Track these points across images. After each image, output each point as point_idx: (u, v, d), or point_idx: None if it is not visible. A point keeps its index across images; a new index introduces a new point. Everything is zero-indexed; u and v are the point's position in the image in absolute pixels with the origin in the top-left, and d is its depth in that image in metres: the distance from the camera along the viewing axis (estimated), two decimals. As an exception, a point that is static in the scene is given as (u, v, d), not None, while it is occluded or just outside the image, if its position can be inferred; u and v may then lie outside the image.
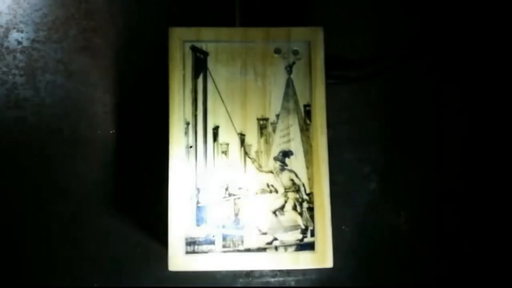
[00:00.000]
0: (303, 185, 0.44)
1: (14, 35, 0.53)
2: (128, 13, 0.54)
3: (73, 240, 0.51)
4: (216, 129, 0.44)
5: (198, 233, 0.43)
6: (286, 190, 0.44)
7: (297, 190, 0.44)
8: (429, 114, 0.55)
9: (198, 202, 0.43)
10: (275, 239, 0.43)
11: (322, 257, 0.43)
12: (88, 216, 0.51)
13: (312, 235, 0.43)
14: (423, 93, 0.55)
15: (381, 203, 0.53)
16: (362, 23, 0.55)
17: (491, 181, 0.54)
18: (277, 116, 0.44)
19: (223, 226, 0.43)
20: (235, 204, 0.43)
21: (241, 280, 0.52)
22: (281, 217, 0.44)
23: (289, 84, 0.45)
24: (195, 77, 0.45)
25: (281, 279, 0.52)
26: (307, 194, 0.44)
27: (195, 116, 0.44)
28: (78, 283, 0.51)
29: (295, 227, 0.43)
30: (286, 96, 0.45)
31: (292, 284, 0.52)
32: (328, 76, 0.46)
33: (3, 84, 0.52)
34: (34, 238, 0.51)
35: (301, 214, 0.44)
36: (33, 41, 0.53)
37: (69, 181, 0.52)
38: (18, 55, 0.53)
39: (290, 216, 0.44)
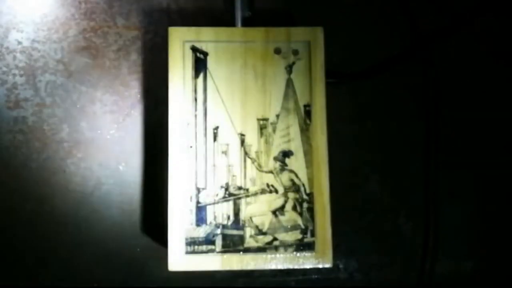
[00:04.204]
0: (303, 185, 0.44)
1: (14, 35, 0.53)
2: (128, 13, 0.54)
3: (72, 240, 0.51)
4: (216, 129, 0.44)
5: (198, 233, 0.43)
6: (286, 190, 0.44)
7: (297, 190, 0.44)
8: (429, 114, 0.55)
9: (198, 202, 0.43)
10: (275, 239, 0.43)
11: (322, 257, 0.43)
12: (87, 216, 0.51)
13: (312, 235, 0.43)
14: (423, 93, 0.55)
15: (381, 203, 0.53)
16: (362, 23, 0.55)
17: (490, 180, 0.54)
18: (277, 116, 0.44)
19: (223, 226, 0.43)
20: (235, 204, 0.44)
21: (241, 280, 0.52)
22: (281, 217, 0.44)
23: (289, 84, 0.45)
24: (195, 77, 0.45)
25: (281, 279, 0.52)
26: (307, 194, 0.44)
27: (195, 116, 0.44)
28: (78, 283, 0.51)
29: (295, 227, 0.43)
30: (286, 96, 0.45)
31: (292, 284, 0.52)
32: (328, 76, 0.46)
33: (3, 84, 0.52)
34: (33, 237, 0.51)
35: (301, 214, 0.44)
36: (33, 41, 0.53)
37: (69, 181, 0.52)
38: (18, 55, 0.53)
39: (290, 216, 0.44)
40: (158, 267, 0.51)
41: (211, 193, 0.44)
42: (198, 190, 0.43)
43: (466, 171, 0.54)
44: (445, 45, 0.55)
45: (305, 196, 0.44)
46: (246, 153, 0.44)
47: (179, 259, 0.42)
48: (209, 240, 0.43)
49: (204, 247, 0.43)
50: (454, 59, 0.55)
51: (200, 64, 0.45)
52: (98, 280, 0.51)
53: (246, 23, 0.49)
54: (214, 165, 0.44)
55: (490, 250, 0.54)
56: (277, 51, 0.45)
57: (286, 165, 0.44)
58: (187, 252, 0.43)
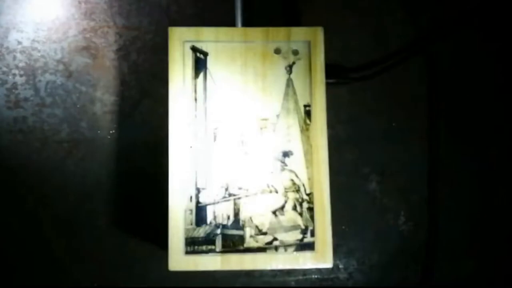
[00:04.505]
0: (303, 185, 0.44)
1: (14, 35, 0.53)
2: (128, 13, 0.54)
3: (72, 240, 0.51)
4: (216, 129, 0.44)
5: (198, 233, 0.43)
6: (286, 190, 0.44)
7: (297, 190, 0.44)
8: (428, 114, 0.55)
9: (198, 202, 0.43)
10: (275, 239, 0.43)
11: (322, 257, 0.43)
12: (88, 216, 0.51)
13: (312, 235, 0.43)
14: (422, 93, 0.55)
15: (381, 203, 0.53)
16: (362, 23, 0.55)
17: (490, 180, 0.54)
18: (277, 116, 0.44)
19: (223, 226, 0.43)
20: (235, 204, 0.43)
21: (241, 280, 0.52)
22: (281, 217, 0.44)
23: (289, 84, 0.45)
24: (195, 77, 0.45)
25: (281, 279, 0.52)
26: (307, 194, 0.44)
27: (195, 116, 0.44)
28: (78, 283, 0.51)
29: (295, 227, 0.43)
30: (286, 96, 0.45)
31: (292, 284, 0.52)
32: (328, 76, 0.46)
33: (3, 84, 0.52)
34: (33, 237, 0.51)
35: (301, 214, 0.44)
36: (33, 41, 0.53)
37: (69, 181, 0.52)
38: (18, 55, 0.53)
39: (290, 216, 0.44)
40: (158, 267, 0.51)
41: (211, 193, 0.43)
42: (198, 190, 0.43)
43: (466, 170, 0.54)
44: (445, 45, 0.55)
45: (305, 196, 0.44)
46: (246, 153, 0.44)
47: (179, 259, 0.42)
48: (209, 240, 0.43)
49: (204, 247, 0.43)
50: (453, 59, 0.55)
51: (200, 64, 0.45)
52: (98, 280, 0.51)
53: (246, 23, 0.49)
54: (214, 165, 0.44)
55: (489, 248, 0.54)
56: (277, 51, 0.45)
57: (286, 165, 0.44)
58: (187, 252, 0.43)
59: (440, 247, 0.53)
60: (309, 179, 0.44)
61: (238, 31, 0.46)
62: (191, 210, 0.43)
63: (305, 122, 0.44)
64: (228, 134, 0.44)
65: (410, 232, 0.53)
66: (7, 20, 0.53)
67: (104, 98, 0.53)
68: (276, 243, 0.43)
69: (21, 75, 0.52)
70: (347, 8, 0.55)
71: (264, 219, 0.43)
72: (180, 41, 0.45)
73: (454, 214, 0.54)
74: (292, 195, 0.44)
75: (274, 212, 0.44)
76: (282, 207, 0.44)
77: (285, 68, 0.45)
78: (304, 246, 0.43)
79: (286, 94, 0.45)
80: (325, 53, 0.45)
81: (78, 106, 0.52)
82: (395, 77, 0.54)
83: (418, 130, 0.54)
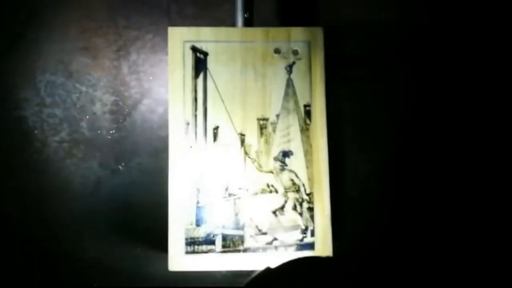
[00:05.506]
0: (303, 185, 0.44)
1: (14, 35, 0.53)
2: (128, 13, 0.54)
3: (72, 240, 0.51)
4: (216, 129, 0.44)
5: (198, 233, 0.43)
6: (286, 190, 0.44)
7: (297, 190, 0.44)
8: (428, 114, 0.55)
9: (198, 202, 0.43)
10: (275, 239, 0.43)
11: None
12: (88, 216, 0.51)
13: (312, 235, 0.43)
14: (422, 93, 0.55)
15: (381, 202, 0.53)
16: (362, 23, 0.55)
17: (489, 179, 0.54)
18: (277, 116, 0.44)
19: (223, 226, 0.43)
20: (235, 204, 0.44)
21: (241, 280, 0.52)
22: (281, 217, 0.44)
23: (289, 84, 0.45)
24: (195, 77, 0.45)
25: (281, 279, 0.52)
26: (307, 194, 0.44)
27: (195, 116, 0.44)
28: (78, 283, 0.51)
29: (295, 227, 0.43)
30: (286, 96, 0.45)
31: (292, 284, 0.52)
32: (329, 76, 0.46)
33: (3, 84, 0.52)
34: (33, 236, 0.51)
35: (301, 214, 0.44)
36: (33, 41, 0.53)
37: (69, 181, 0.52)
38: (18, 54, 0.53)
39: (290, 216, 0.44)
40: (158, 267, 0.51)
41: (211, 193, 0.44)
42: (198, 190, 0.43)
43: (466, 170, 0.54)
44: (445, 46, 0.55)
45: (305, 196, 0.44)
46: (246, 153, 0.44)
47: (179, 259, 0.42)
48: (209, 240, 0.43)
49: (204, 247, 0.43)
50: (453, 60, 0.55)
51: (200, 64, 0.45)
52: (98, 280, 0.51)
53: (246, 23, 0.49)
54: (214, 165, 0.44)
55: (482, 244, 0.54)
56: (277, 51, 0.45)
57: (286, 165, 0.44)
58: (187, 252, 0.43)
59: (439, 246, 0.53)
60: (309, 179, 0.44)
61: (238, 31, 0.46)
62: (191, 210, 0.43)
63: (305, 122, 0.44)
64: (228, 134, 0.44)
65: (410, 232, 0.53)
66: (7, 20, 0.53)
67: (104, 98, 0.53)
68: (276, 243, 0.43)
69: (21, 75, 0.52)
70: (347, 8, 0.55)
71: (264, 219, 0.43)
72: (180, 41, 0.45)
73: (454, 213, 0.54)
74: (292, 195, 0.44)
75: (274, 212, 0.44)
76: (282, 207, 0.44)
77: (285, 68, 0.45)
78: (304, 246, 0.43)
79: (286, 94, 0.45)
80: (325, 53, 0.45)
81: (78, 106, 0.52)
82: (395, 77, 0.54)
83: (417, 129, 0.54)
